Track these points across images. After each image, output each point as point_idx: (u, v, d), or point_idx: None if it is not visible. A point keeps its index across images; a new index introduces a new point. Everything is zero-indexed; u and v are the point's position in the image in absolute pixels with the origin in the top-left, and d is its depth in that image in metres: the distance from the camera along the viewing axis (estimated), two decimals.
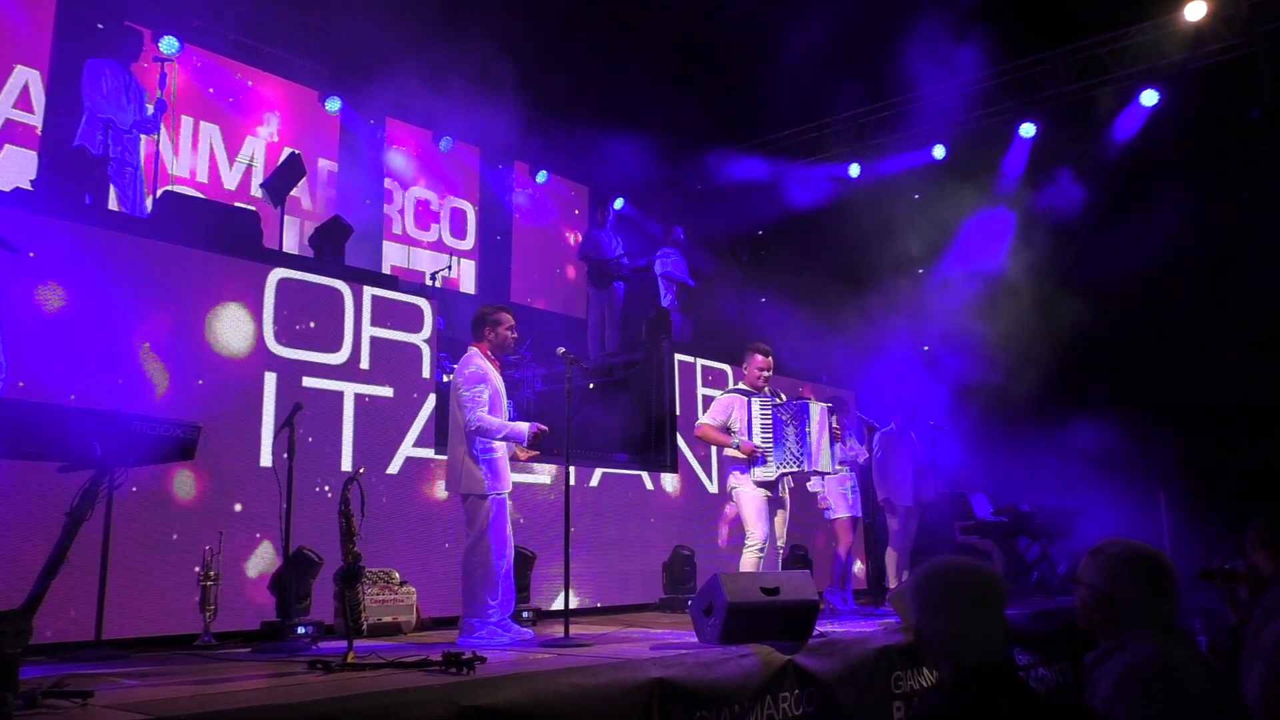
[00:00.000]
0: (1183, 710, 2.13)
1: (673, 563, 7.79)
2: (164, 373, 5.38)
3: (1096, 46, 10.28)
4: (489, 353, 5.27)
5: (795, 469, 6.01)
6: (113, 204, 6.88)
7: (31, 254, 4.87)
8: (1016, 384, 10.37)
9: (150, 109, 7.20)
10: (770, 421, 6.00)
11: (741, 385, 6.24)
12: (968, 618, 2.05)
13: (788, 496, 6.17)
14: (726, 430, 6.06)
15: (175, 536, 5.26)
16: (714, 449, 6.09)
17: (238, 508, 5.51)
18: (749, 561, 5.82)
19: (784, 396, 6.29)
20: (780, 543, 6.07)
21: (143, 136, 7.31)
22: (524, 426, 5.07)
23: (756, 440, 5.94)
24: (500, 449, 5.20)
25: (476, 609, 5.04)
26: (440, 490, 6.45)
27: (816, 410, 6.06)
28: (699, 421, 6.25)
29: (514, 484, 5.35)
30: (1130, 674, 2.19)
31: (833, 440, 6.18)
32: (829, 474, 6.59)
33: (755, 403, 6.04)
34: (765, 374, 6.15)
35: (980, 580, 2.09)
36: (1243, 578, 4.95)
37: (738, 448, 5.95)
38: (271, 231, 7.30)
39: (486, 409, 5.05)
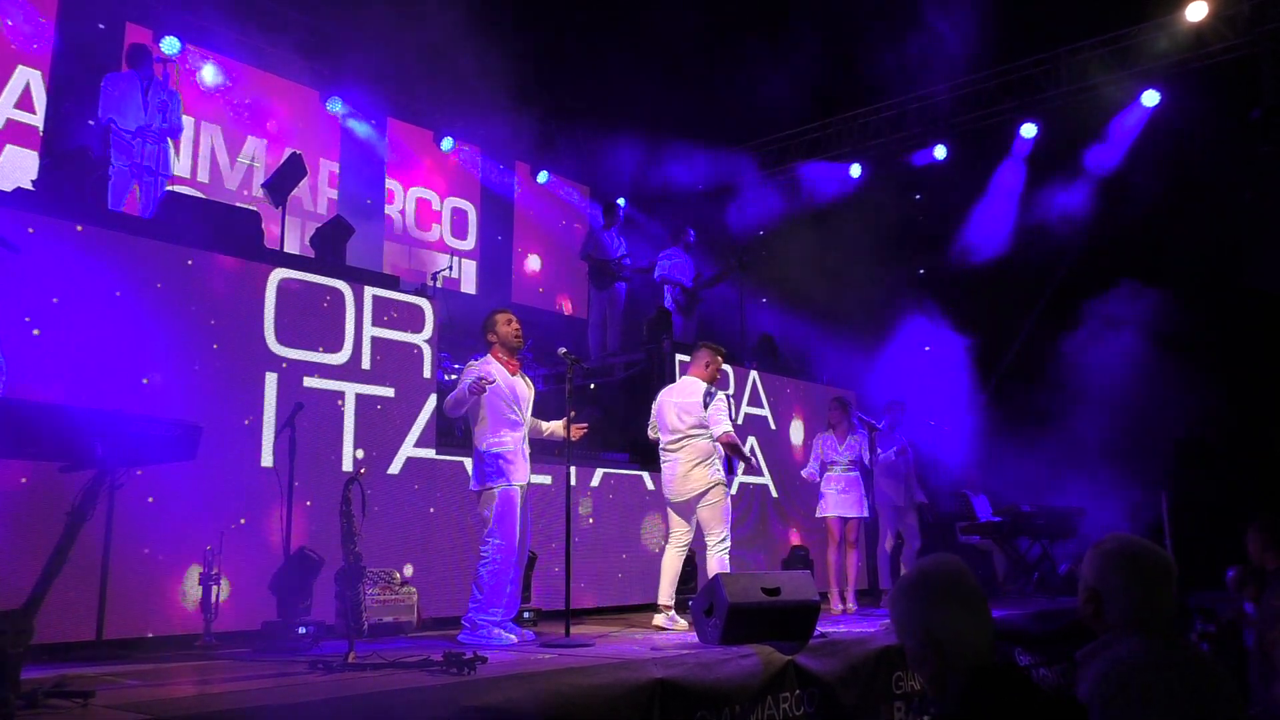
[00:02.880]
0: (1161, 714, 2.07)
1: None
2: None
3: (1097, 46, 10.28)
4: (500, 355, 5.41)
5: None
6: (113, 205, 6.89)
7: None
8: (1015, 384, 10.38)
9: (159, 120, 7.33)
10: None
11: (703, 384, 6.22)
12: (947, 617, 2.01)
13: None
14: None
15: (176, 536, 5.25)
16: (682, 444, 6.14)
17: (238, 508, 5.50)
18: (722, 561, 5.87)
19: None
20: None
21: (170, 141, 7.52)
22: (469, 381, 5.08)
23: None
24: (510, 440, 5.25)
25: (482, 606, 5.07)
26: (441, 490, 6.47)
27: None
28: (727, 430, 6.04)
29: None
30: (1109, 674, 2.15)
31: None
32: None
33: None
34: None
35: (950, 577, 2.06)
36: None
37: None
38: (273, 232, 7.29)
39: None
